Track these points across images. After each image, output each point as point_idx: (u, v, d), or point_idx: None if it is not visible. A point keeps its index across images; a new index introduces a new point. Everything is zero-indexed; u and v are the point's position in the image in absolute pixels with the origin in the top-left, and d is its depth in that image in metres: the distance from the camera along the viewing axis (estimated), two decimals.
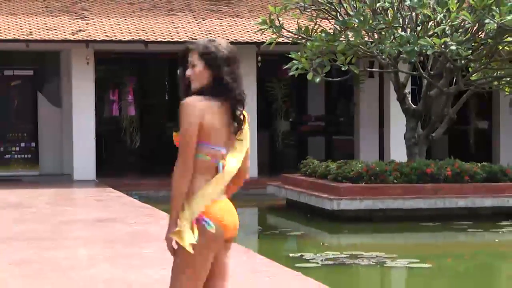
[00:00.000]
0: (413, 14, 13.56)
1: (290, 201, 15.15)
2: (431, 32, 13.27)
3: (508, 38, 13.64)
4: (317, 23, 14.23)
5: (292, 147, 20.41)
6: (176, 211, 3.56)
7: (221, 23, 18.58)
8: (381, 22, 13.28)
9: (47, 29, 17.60)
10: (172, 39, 17.50)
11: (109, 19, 18.30)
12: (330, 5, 14.18)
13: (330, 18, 14.48)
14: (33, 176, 18.29)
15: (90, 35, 17.49)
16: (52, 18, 18.09)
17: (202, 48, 3.63)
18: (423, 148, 14.49)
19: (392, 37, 13.21)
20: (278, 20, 13.91)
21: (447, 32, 13.04)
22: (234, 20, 18.78)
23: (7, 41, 17.08)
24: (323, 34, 13.48)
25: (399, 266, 9.57)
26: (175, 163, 3.57)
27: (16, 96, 18.74)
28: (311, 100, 21.33)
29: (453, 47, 12.60)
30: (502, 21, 12.49)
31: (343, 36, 13.43)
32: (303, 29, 13.94)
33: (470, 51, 13.38)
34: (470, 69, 14.49)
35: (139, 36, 17.60)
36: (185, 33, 17.77)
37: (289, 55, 13.51)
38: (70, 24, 17.93)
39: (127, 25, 18.12)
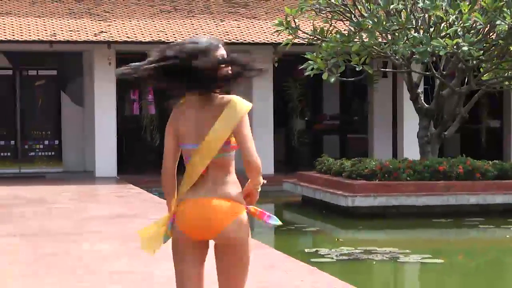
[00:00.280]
0: (426, 15, 13.61)
1: (306, 197, 15.26)
2: (443, 33, 13.31)
3: None
4: (332, 24, 14.32)
5: (308, 145, 20.35)
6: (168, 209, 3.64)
7: (238, 25, 18.76)
8: (395, 23, 13.34)
9: (70, 31, 17.87)
10: None
11: (130, 21, 18.55)
12: (345, 7, 14.23)
13: (345, 19, 14.54)
14: (56, 173, 18.47)
15: (111, 37, 17.72)
16: (75, 20, 18.35)
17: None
18: (436, 146, 14.54)
19: (405, 38, 13.26)
20: (294, 21, 14.00)
21: (459, 33, 13.09)
22: (252, 22, 18.95)
23: (31, 42, 17.36)
24: (338, 35, 13.57)
25: (412, 262, 9.57)
26: None
27: (40, 95, 18.93)
28: (326, 99, 21.33)
29: (465, 48, 12.66)
30: None
31: (357, 37, 13.50)
32: (318, 31, 14.03)
33: (482, 51, 13.43)
34: (481, 69, 14.53)
35: (159, 37, 17.80)
36: (204, 34, 17.96)
37: (305, 56, 13.60)
38: (93, 25, 18.18)
39: (148, 26, 18.35)
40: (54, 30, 17.82)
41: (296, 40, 14.32)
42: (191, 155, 3.59)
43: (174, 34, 18.02)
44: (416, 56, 13.24)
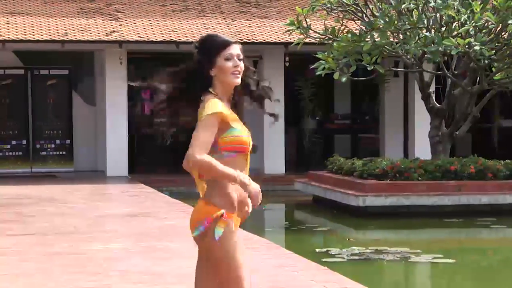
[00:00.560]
0: (438, 15, 13.62)
1: (317, 197, 15.27)
2: (455, 33, 13.34)
3: None
4: (344, 24, 14.36)
5: (319, 144, 20.37)
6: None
7: (250, 24, 18.81)
8: (406, 23, 13.35)
9: (82, 30, 17.96)
10: None
11: (141, 20, 18.62)
12: (356, 6, 14.27)
13: (356, 19, 14.59)
14: (67, 172, 18.54)
15: (123, 36, 17.80)
16: (87, 20, 18.44)
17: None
18: (447, 146, 14.55)
19: (417, 37, 13.28)
20: (306, 21, 14.03)
21: (471, 32, 13.13)
22: (263, 21, 18.98)
23: (43, 42, 17.44)
24: (349, 35, 13.59)
25: (423, 261, 9.60)
26: None
27: (51, 94, 19.00)
28: (338, 99, 21.36)
29: (477, 47, 12.67)
30: None
31: (368, 37, 13.51)
32: (329, 30, 14.06)
33: (494, 51, 13.44)
34: (493, 68, 14.50)
35: (170, 37, 17.85)
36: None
37: (316, 55, 13.64)
38: (104, 25, 18.26)
39: (159, 26, 18.41)
40: (66, 30, 17.90)
41: (307, 40, 14.34)
42: None
43: (185, 34, 18.08)
44: (428, 55, 13.28)
